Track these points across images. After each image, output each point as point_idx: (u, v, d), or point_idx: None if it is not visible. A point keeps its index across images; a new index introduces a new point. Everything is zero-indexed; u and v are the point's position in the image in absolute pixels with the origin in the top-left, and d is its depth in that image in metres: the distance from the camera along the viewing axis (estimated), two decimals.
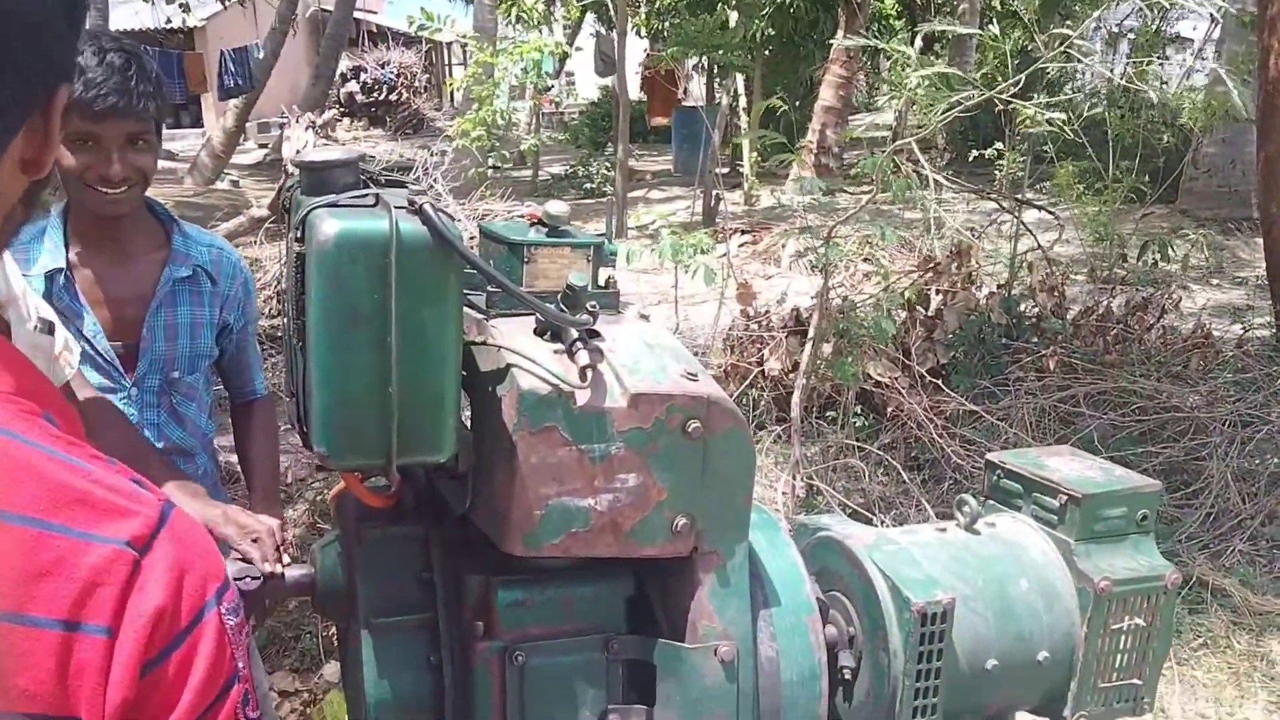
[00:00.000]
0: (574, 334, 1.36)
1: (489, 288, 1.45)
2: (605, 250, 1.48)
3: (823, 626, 1.61)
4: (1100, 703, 1.84)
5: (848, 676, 1.76)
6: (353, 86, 25.61)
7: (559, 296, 1.40)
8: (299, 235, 1.25)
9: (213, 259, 2.20)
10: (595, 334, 1.40)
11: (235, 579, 1.41)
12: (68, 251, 2.10)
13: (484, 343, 1.40)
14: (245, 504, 2.11)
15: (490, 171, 11.68)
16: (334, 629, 3.72)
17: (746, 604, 1.47)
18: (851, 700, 1.78)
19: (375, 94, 25.64)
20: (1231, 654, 4.14)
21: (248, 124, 17.78)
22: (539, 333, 1.41)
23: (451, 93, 19.81)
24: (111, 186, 2.01)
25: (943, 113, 4.01)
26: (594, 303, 1.42)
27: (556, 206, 1.45)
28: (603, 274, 1.49)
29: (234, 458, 2.44)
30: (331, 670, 3.53)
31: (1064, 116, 5.04)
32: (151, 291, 2.11)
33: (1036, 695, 1.84)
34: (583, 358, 1.34)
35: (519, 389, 1.31)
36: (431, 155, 10.30)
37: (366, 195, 1.29)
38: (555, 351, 1.37)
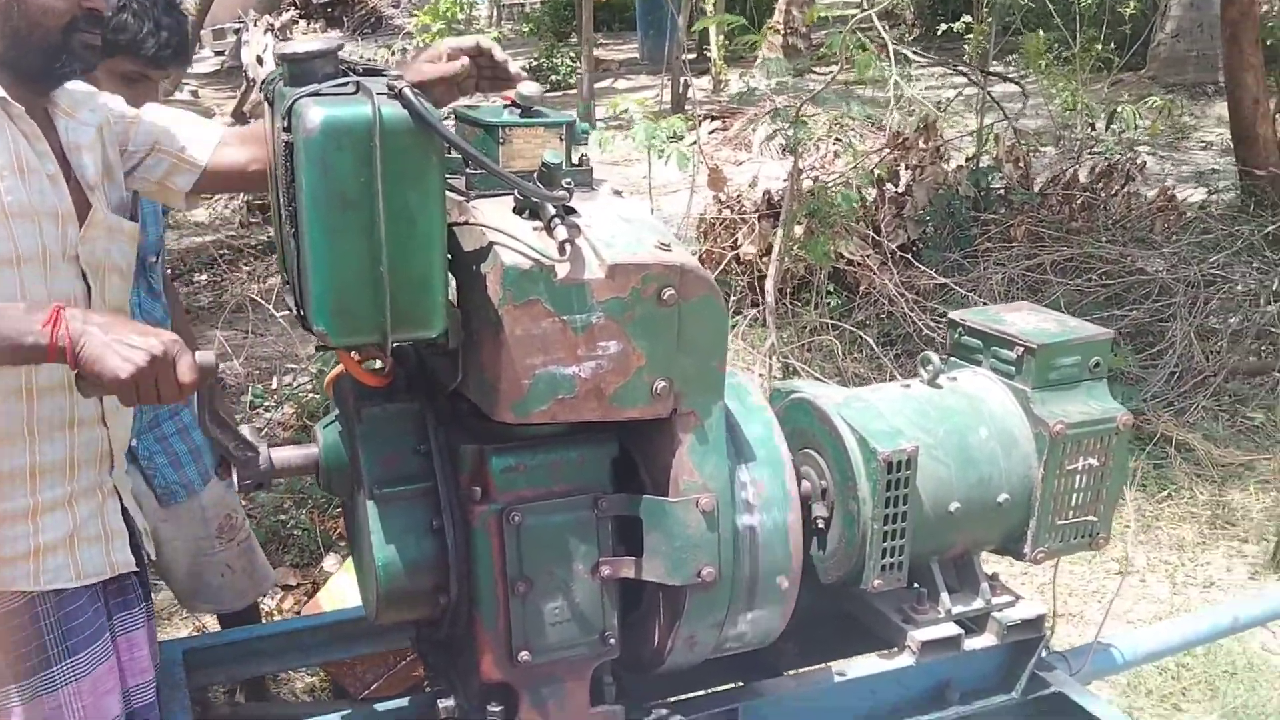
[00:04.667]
0: (551, 210, 1.43)
1: (468, 170, 1.52)
2: (577, 129, 1.54)
3: (793, 467, 1.71)
4: (1058, 539, 1.97)
5: (821, 526, 1.89)
6: None
7: (534, 175, 1.47)
8: (286, 125, 1.31)
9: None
10: (572, 210, 1.47)
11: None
12: None
13: (466, 223, 1.47)
14: None
15: None
16: (330, 524, 3.85)
17: (724, 459, 1.58)
18: (825, 548, 1.90)
19: None
20: (1194, 504, 4.32)
21: (203, 31, 17.33)
22: (518, 211, 1.48)
23: None
24: None
25: None
26: (569, 180, 1.49)
27: (529, 87, 1.50)
28: (576, 153, 1.56)
29: None
30: (330, 563, 3.66)
31: None
32: None
33: (998, 535, 1.97)
34: (561, 233, 1.41)
35: (502, 265, 1.39)
36: (393, 54, 10.11)
37: (347, 83, 1.34)
38: (534, 228, 1.45)
